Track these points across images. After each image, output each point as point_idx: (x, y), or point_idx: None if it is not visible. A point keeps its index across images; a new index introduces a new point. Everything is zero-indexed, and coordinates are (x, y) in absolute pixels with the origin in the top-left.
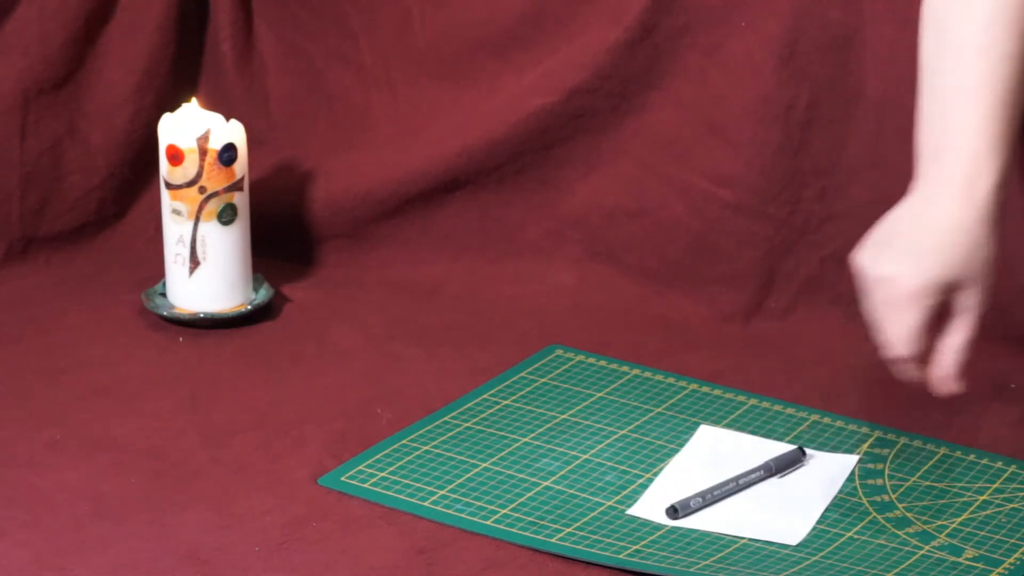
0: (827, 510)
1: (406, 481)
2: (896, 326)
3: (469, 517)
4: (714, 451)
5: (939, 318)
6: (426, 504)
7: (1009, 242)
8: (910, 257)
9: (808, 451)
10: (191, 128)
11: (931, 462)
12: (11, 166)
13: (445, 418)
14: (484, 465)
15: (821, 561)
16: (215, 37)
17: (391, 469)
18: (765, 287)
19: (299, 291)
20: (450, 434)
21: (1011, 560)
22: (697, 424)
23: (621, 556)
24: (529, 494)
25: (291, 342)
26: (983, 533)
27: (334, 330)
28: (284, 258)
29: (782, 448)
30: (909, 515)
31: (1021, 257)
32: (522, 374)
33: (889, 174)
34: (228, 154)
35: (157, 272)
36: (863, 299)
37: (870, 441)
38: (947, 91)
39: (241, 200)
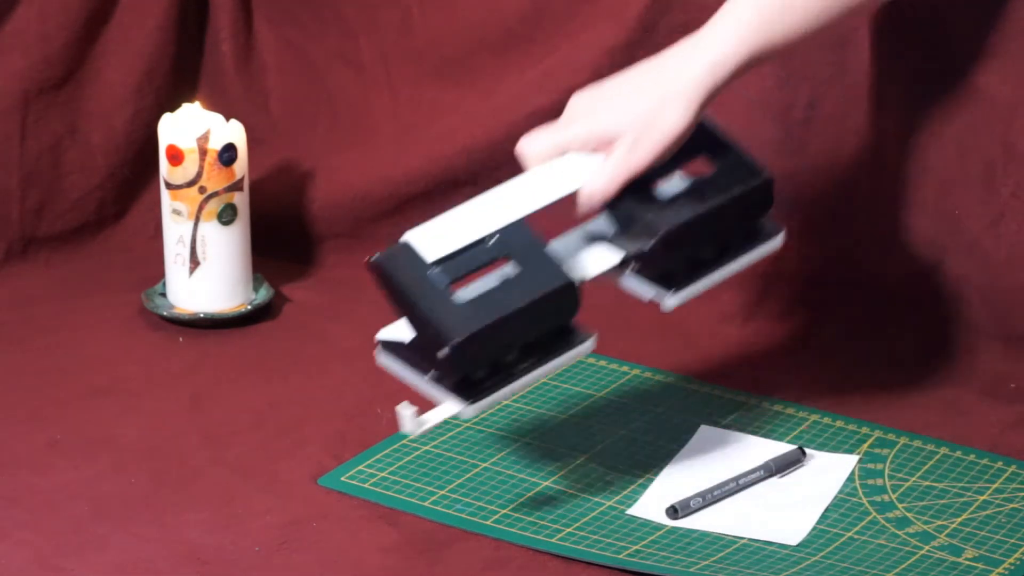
0: (827, 510)
1: (406, 481)
2: (538, 146)
3: (469, 517)
4: (714, 451)
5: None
6: (426, 504)
7: (1006, 245)
8: (598, 94)
9: (808, 451)
10: (191, 128)
11: (931, 462)
12: (11, 166)
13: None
14: (484, 465)
15: (821, 561)
16: (215, 37)
17: (391, 469)
18: (765, 287)
19: (299, 291)
20: (450, 434)
21: (1011, 560)
22: (697, 424)
23: (621, 556)
24: (529, 494)
25: (291, 342)
26: (983, 533)
27: (334, 330)
28: (284, 258)
29: (782, 448)
30: (909, 515)
31: (1018, 259)
32: None
33: (889, 174)
34: (228, 154)
35: (157, 272)
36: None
37: (870, 441)
38: None
39: (241, 200)
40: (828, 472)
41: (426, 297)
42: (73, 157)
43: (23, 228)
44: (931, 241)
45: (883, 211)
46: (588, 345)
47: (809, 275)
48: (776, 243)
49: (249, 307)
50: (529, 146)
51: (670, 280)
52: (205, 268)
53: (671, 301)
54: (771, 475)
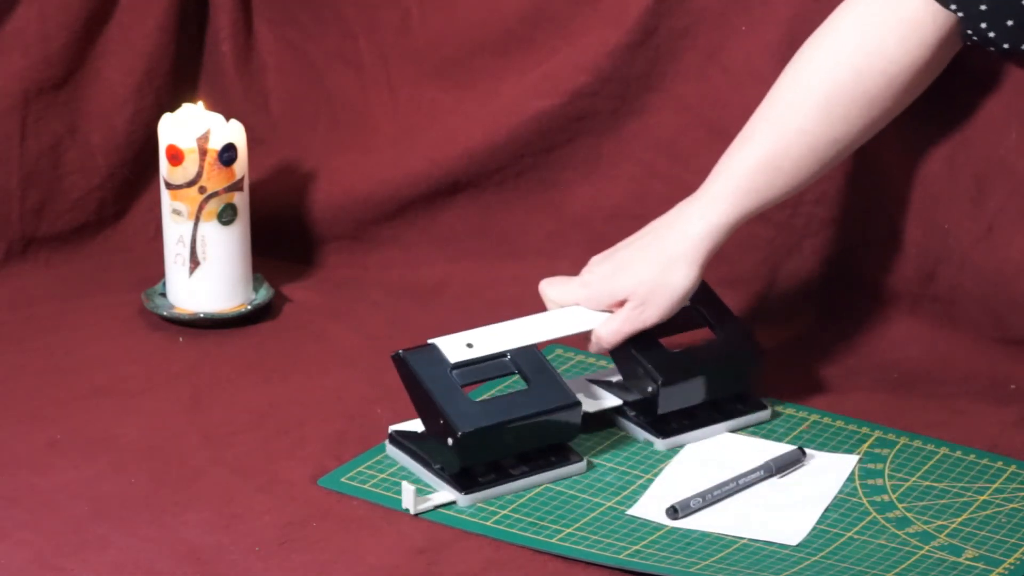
0: (827, 510)
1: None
2: (558, 294)
3: (469, 517)
4: (714, 451)
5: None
6: None
7: (997, 256)
8: (613, 260)
9: (808, 451)
10: (191, 128)
11: (931, 462)
12: (11, 166)
13: None
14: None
15: (821, 561)
16: (215, 37)
17: (391, 470)
18: (766, 289)
19: (299, 291)
20: None
21: (1011, 560)
22: None
23: (621, 556)
24: (529, 494)
25: (291, 342)
26: (983, 533)
27: (334, 330)
28: (284, 258)
29: (782, 448)
30: (909, 515)
31: (1010, 271)
32: None
33: (888, 177)
34: (228, 154)
35: (157, 272)
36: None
37: (870, 441)
38: (749, 125)
39: (241, 200)
40: (828, 472)
41: (443, 392)
42: (73, 157)
43: (23, 228)
44: (924, 251)
45: (878, 220)
46: (580, 466)
47: (809, 277)
48: (764, 415)
49: (249, 307)
50: (550, 291)
51: (662, 427)
52: (205, 268)
53: (661, 446)
54: (771, 475)
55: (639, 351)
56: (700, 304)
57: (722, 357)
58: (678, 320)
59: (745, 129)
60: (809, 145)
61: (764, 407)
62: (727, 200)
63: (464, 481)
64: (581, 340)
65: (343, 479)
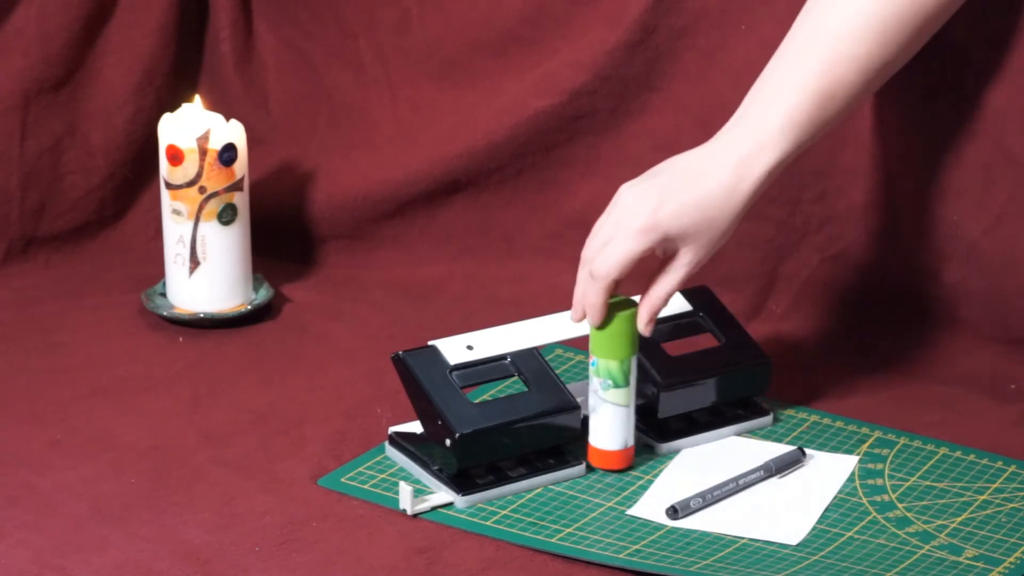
0: (827, 510)
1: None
2: (613, 249)
3: (469, 517)
4: (714, 451)
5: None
6: None
7: (1006, 246)
8: (656, 196)
9: (808, 451)
10: (191, 128)
11: (931, 462)
12: (11, 166)
13: None
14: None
15: (821, 561)
16: (215, 37)
17: (391, 471)
18: (765, 289)
19: (299, 291)
20: None
21: (1011, 560)
22: None
23: (621, 556)
24: (529, 494)
25: (291, 342)
26: (983, 533)
27: (334, 330)
28: (284, 258)
29: (782, 448)
30: (909, 515)
31: (1017, 261)
32: None
33: (888, 175)
34: (228, 154)
35: (157, 272)
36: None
37: (870, 441)
38: (789, 57)
39: (241, 200)
40: (828, 472)
41: (442, 393)
42: (73, 157)
43: (23, 228)
44: (930, 246)
45: (881, 216)
46: (579, 469)
47: (809, 276)
48: (767, 421)
49: (249, 307)
50: (611, 259)
51: (662, 432)
52: (205, 268)
53: (661, 450)
54: (771, 475)
55: (641, 354)
56: (703, 311)
57: (725, 364)
58: (681, 326)
59: (780, 62)
60: (861, 70)
61: (767, 413)
62: (785, 137)
63: (462, 483)
64: (581, 341)
65: (343, 479)
